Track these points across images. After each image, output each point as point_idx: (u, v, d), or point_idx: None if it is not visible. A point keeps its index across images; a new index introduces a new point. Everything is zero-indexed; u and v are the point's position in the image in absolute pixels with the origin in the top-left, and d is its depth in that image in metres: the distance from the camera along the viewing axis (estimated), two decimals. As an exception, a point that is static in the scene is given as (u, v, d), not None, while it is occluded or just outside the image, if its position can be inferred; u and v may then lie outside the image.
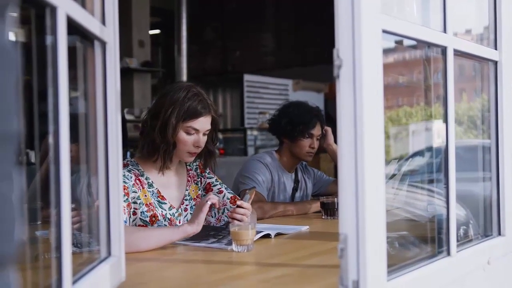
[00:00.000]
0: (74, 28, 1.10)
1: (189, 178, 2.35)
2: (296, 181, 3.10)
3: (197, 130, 2.17)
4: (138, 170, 2.20)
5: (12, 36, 0.62)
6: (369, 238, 1.14)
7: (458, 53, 1.55)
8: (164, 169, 2.23)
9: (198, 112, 2.15)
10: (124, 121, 6.04)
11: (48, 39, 0.99)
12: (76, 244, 1.27)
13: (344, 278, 1.16)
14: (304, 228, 2.33)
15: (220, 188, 2.36)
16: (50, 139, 0.97)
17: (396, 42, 1.43)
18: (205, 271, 1.65)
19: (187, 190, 2.33)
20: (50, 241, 1.44)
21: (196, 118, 2.15)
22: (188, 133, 2.16)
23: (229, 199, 2.33)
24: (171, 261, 1.80)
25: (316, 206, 2.80)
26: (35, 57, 1.11)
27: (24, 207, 0.62)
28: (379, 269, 1.19)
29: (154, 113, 2.18)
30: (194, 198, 2.34)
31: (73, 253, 1.04)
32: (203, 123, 2.18)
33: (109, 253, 1.35)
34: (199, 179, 2.38)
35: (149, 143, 2.18)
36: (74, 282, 1.07)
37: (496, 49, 1.77)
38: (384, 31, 1.23)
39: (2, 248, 0.56)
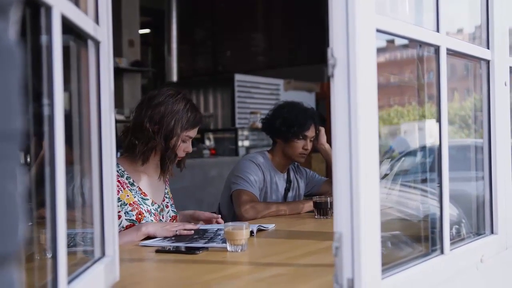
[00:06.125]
0: (67, 27, 1.09)
1: (167, 179, 2.43)
2: (289, 181, 3.10)
3: (191, 138, 2.28)
4: (118, 171, 2.21)
5: (14, 35, 0.62)
6: (364, 236, 1.15)
7: (451, 52, 1.56)
8: (166, 175, 2.33)
9: (197, 122, 2.28)
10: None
11: (43, 39, 0.98)
12: (68, 244, 1.26)
13: (339, 276, 1.16)
14: (271, 227, 2.33)
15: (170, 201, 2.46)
16: (46, 140, 0.96)
17: (388, 41, 1.44)
18: (199, 271, 1.64)
19: (166, 188, 2.42)
20: (40, 242, 1.43)
21: (195, 127, 2.28)
22: (184, 141, 2.26)
23: (170, 217, 2.40)
24: (165, 261, 1.79)
25: (308, 205, 2.80)
26: (28, 57, 1.10)
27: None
28: (374, 267, 1.19)
29: (152, 120, 2.20)
30: (171, 198, 2.44)
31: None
32: (196, 131, 2.31)
33: (103, 253, 1.34)
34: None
35: (151, 149, 2.23)
36: (69, 282, 1.06)
37: (488, 48, 1.78)
38: (378, 30, 1.23)
39: (6, 246, 0.56)
